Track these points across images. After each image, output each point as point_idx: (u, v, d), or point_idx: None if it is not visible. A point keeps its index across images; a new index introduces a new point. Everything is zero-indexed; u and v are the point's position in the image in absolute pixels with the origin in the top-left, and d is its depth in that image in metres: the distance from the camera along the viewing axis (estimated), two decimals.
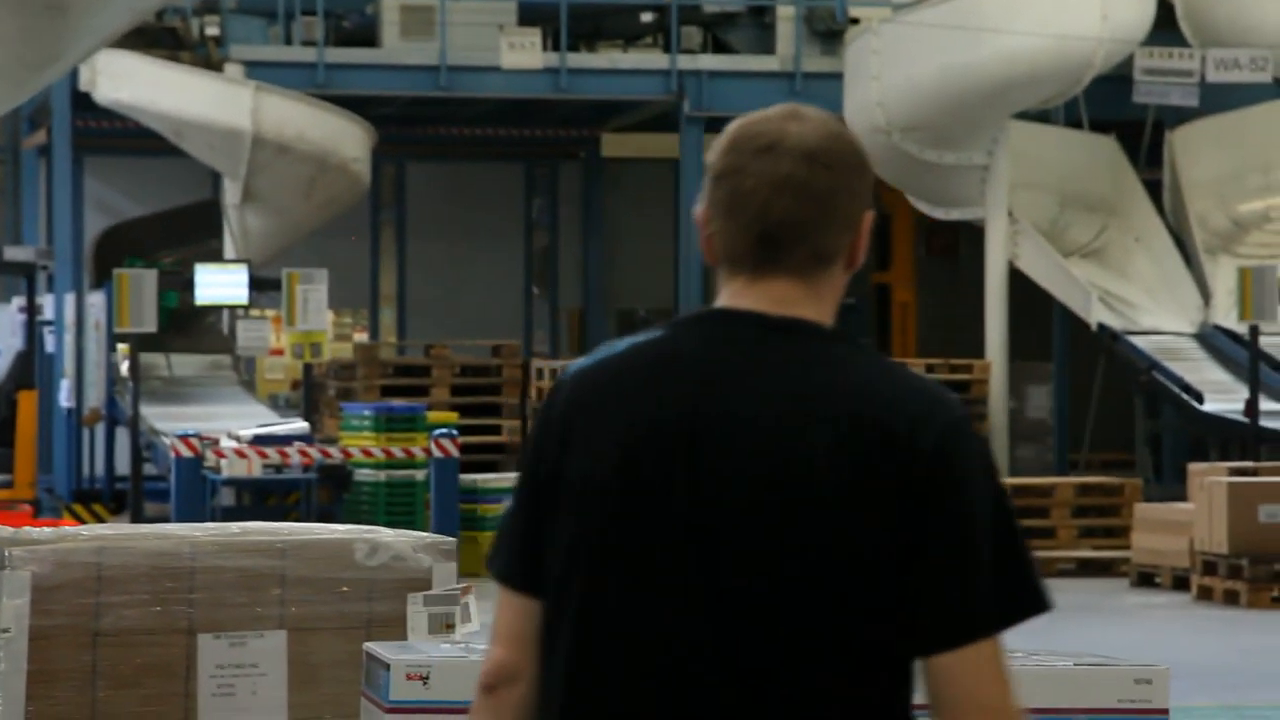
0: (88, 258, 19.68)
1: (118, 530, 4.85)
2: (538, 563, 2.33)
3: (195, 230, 19.77)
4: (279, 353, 20.69)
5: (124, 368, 17.27)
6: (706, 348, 2.25)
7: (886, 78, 17.67)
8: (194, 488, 14.25)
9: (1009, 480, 16.88)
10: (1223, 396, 16.62)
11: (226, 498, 14.50)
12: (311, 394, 17.27)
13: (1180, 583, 13.75)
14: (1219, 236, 18.52)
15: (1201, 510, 13.41)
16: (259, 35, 19.13)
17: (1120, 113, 18.54)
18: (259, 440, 14.60)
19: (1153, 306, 17.99)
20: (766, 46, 19.80)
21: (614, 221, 22.48)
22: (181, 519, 13.67)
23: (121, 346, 17.31)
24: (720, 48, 20.08)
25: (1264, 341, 16.34)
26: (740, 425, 2.21)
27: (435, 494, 14.46)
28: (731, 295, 2.28)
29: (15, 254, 18.94)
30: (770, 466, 2.19)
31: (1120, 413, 18.91)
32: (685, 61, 19.35)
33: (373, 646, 3.63)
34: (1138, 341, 17.31)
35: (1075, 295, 17.64)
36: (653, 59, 19.80)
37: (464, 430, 15.54)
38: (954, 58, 17.30)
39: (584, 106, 20.23)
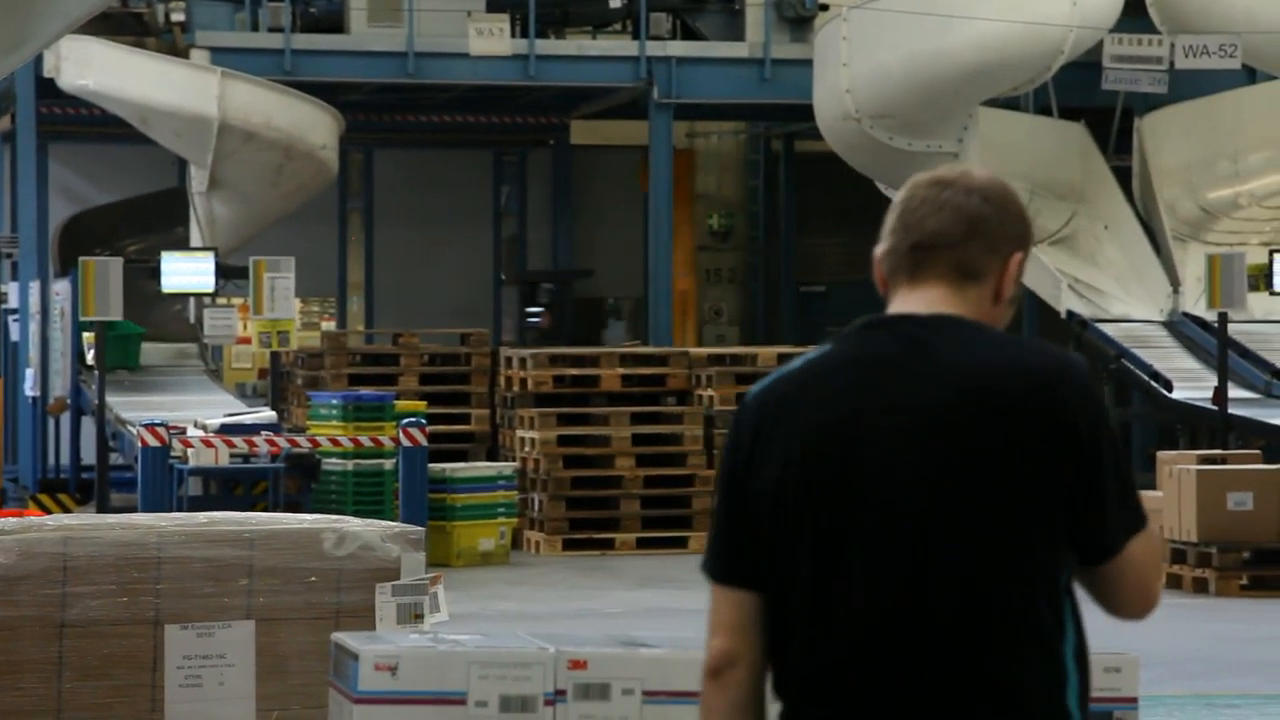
0: (53, 245, 19.55)
1: (84, 520, 4.82)
2: (742, 559, 2.63)
3: (161, 218, 19.67)
4: (246, 341, 20.60)
5: (89, 356, 17.16)
6: (866, 349, 2.64)
7: (856, 64, 17.64)
8: (160, 477, 14.16)
9: None
10: (1192, 384, 16.63)
11: (193, 487, 14.42)
12: (279, 383, 17.19)
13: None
14: (1188, 224, 18.53)
15: (1170, 498, 13.40)
16: (225, 21, 19.01)
17: (1089, 100, 18.54)
18: (226, 429, 14.52)
19: (1122, 294, 18.00)
20: (736, 33, 19.77)
21: (583, 209, 22.42)
22: (148, 509, 13.57)
23: (87, 335, 17.20)
24: (689, 34, 20.05)
25: (1233, 329, 16.35)
26: (903, 412, 2.58)
27: (404, 483, 14.41)
28: (892, 305, 2.70)
29: None
30: (936, 444, 2.57)
31: None
32: (654, 48, 19.31)
33: (341, 637, 3.60)
34: (1107, 329, 17.33)
35: (1044, 283, 17.64)
36: (621, 46, 19.76)
37: (432, 419, 15.48)
38: (923, 44, 17.28)
39: (553, 93, 20.16)
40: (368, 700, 3.35)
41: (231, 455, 14.29)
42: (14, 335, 18.75)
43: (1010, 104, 18.62)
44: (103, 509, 15.21)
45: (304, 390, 16.76)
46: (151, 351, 18.56)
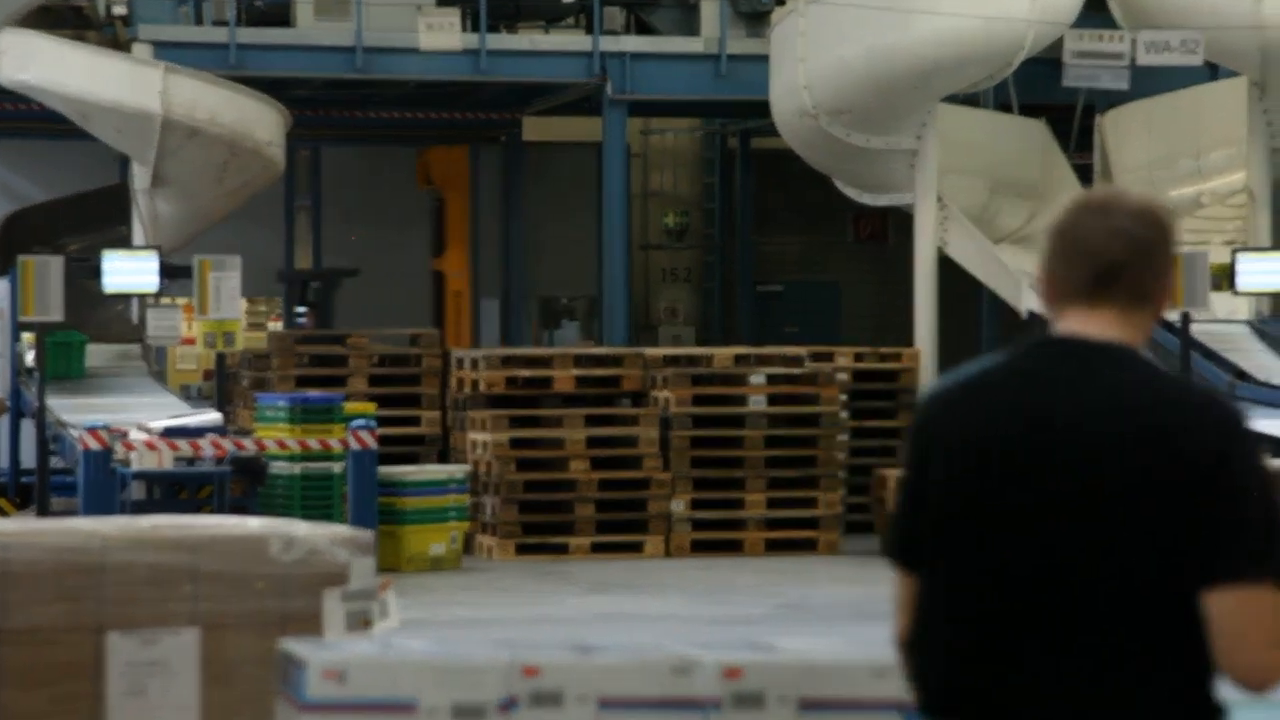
0: None
1: (24, 525, 4.82)
2: (912, 545, 2.96)
3: (103, 216, 19.47)
4: (190, 342, 20.34)
5: (29, 358, 16.90)
6: (1039, 365, 2.92)
7: (813, 60, 17.58)
8: (103, 481, 14.00)
9: None
10: None
11: (137, 492, 14.28)
12: (224, 384, 16.98)
13: None
14: None
15: None
16: (168, 14, 18.82)
17: (1050, 96, 18.55)
18: (170, 432, 14.35)
19: None
20: (691, 28, 19.72)
21: (535, 207, 22.30)
22: (90, 514, 13.35)
23: (26, 335, 16.94)
24: (644, 29, 19.99)
25: (1196, 329, 16.29)
26: (1063, 430, 2.85)
27: (353, 487, 14.29)
28: (1069, 323, 2.94)
29: None
30: (1088, 464, 2.82)
31: None
32: (608, 43, 19.25)
33: (288, 643, 3.53)
34: None
35: (1004, 282, 17.62)
36: (575, 40, 19.69)
37: (382, 421, 15.31)
38: (882, 40, 17.21)
39: (504, 89, 20.05)
40: (316, 708, 3.31)
41: (176, 459, 14.13)
42: None
43: (970, 100, 18.63)
44: (43, 514, 15.00)
45: (250, 392, 16.57)
46: (94, 353, 18.31)
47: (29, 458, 16.44)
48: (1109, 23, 17.80)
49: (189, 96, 17.65)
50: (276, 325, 21.80)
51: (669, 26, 19.90)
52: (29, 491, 16.59)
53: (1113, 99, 18.56)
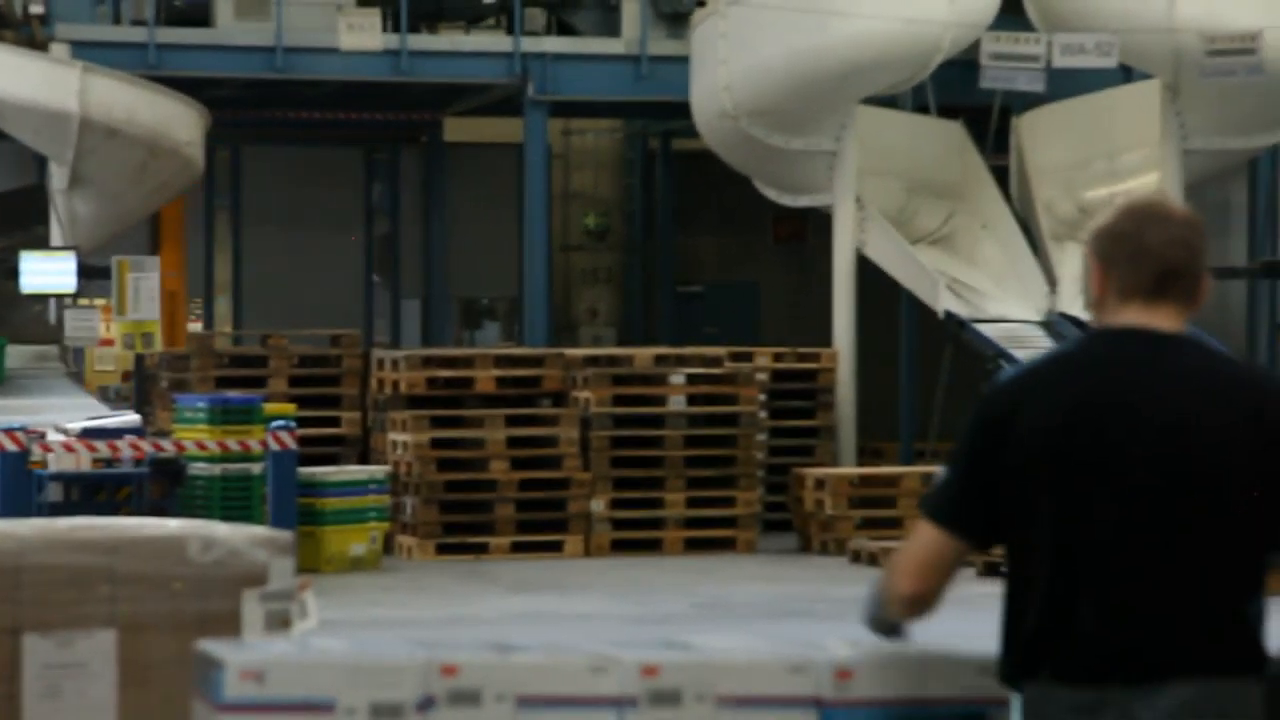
0: None
1: None
2: (973, 511, 3.30)
3: (21, 216, 19.32)
4: (109, 343, 20.20)
5: None
6: (1117, 351, 3.28)
7: (734, 61, 17.67)
8: (19, 483, 13.94)
9: (856, 470, 16.89)
10: None
11: (54, 493, 14.17)
12: (143, 385, 16.93)
13: None
14: (1065, 223, 18.65)
15: None
16: (86, 14, 18.71)
17: (967, 98, 18.69)
18: (88, 433, 14.30)
19: (1000, 294, 18.13)
20: (612, 29, 19.76)
21: (456, 208, 22.30)
22: (7, 515, 13.23)
23: None
24: (565, 30, 20.01)
25: None
26: (1149, 405, 3.22)
27: (272, 488, 14.29)
28: (1130, 318, 3.30)
29: None
30: (1175, 437, 3.20)
31: (967, 401, 18.92)
32: (529, 44, 19.27)
33: (206, 644, 3.53)
34: (984, 329, 17.44)
35: (923, 283, 17.75)
36: (496, 41, 19.70)
37: (302, 422, 15.30)
38: (801, 42, 17.32)
39: (425, 90, 20.04)
40: (233, 709, 3.31)
41: (94, 460, 14.07)
42: None
43: (889, 102, 18.74)
44: None
45: (169, 393, 16.49)
46: (11, 354, 18.20)
47: None
48: (1025, 26, 17.97)
49: (107, 96, 17.57)
50: (196, 326, 21.70)
51: (590, 28, 19.94)
52: None
53: (1029, 101, 18.70)
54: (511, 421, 16.04)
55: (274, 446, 14.23)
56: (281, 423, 14.43)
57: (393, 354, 16.89)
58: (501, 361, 16.53)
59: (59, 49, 18.11)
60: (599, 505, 16.00)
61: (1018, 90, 18.00)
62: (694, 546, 16.07)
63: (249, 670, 3.33)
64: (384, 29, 18.88)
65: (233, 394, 15.59)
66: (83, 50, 18.09)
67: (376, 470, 15.50)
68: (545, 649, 3.45)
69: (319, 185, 22.31)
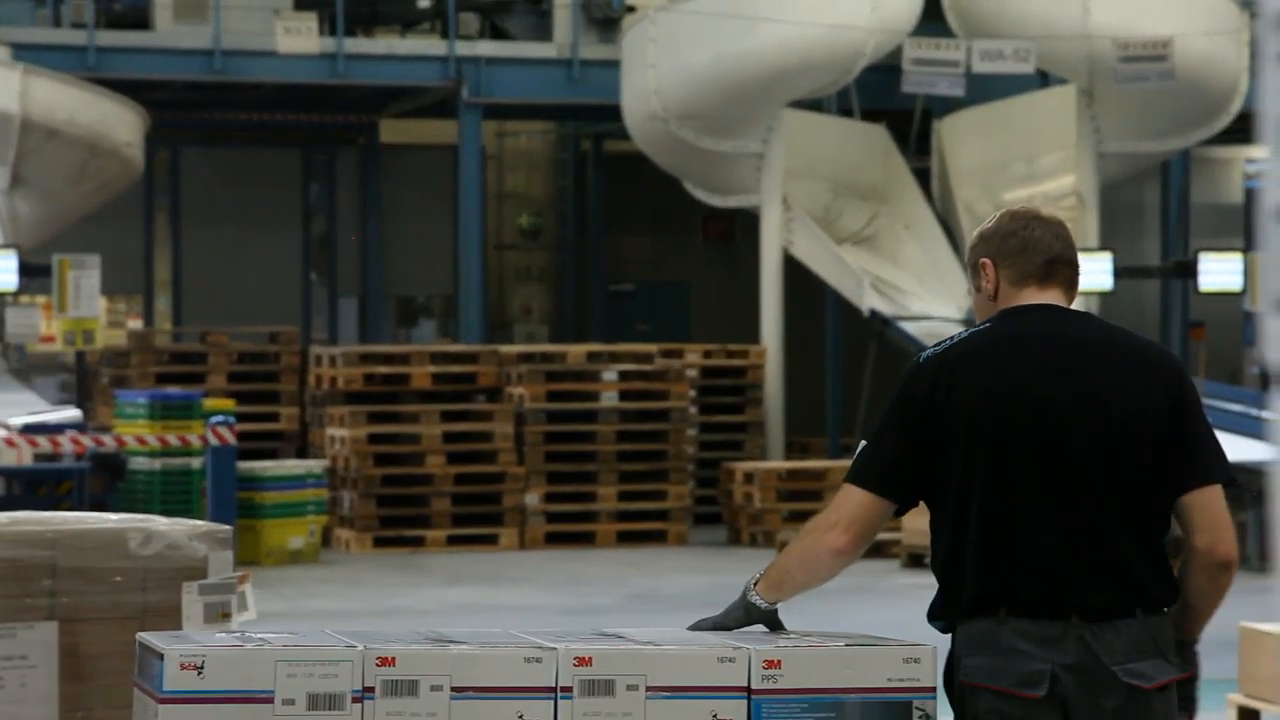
0: None
1: None
2: (899, 477, 3.57)
3: None
4: (50, 340, 20.30)
5: None
6: (1027, 327, 3.61)
7: (663, 66, 17.80)
8: None
9: (784, 464, 17.16)
10: None
11: None
12: (84, 382, 16.98)
13: None
14: None
15: None
16: (26, 16, 18.73)
17: (890, 102, 18.85)
18: (29, 429, 14.33)
19: (922, 292, 18.32)
20: (544, 34, 19.83)
21: (392, 208, 22.38)
22: None
23: None
24: (498, 34, 20.07)
25: None
26: (1071, 369, 3.58)
27: (212, 482, 14.31)
28: (1027, 299, 3.66)
29: None
30: (1098, 397, 3.55)
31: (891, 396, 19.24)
32: (463, 48, 19.30)
33: (146, 636, 3.58)
34: (907, 327, 17.61)
35: (847, 281, 17.90)
36: (430, 45, 19.73)
37: (241, 418, 15.40)
38: (729, 46, 17.48)
39: (362, 92, 20.08)
40: (173, 700, 3.33)
41: (35, 455, 14.08)
42: None
43: (814, 105, 18.89)
44: None
45: (110, 389, 16.59)
46: None
47: None
48: (945, 32, 18.14)
49: (48, 98, 17.59)
50: (136, 323, 21.81)
51: (522, 32, 20.03)
52: None
53: (949, 105, 18.90)
54: (447, 417, 16.19)
55: (213, 441, 14.25)
56: (221, 418, 14.48)
57: (330, 351, 16.98)
58: (437, 358, 16.69)
59: (0, 51, 18.16)
60: (533, 499, 16.12)
61: (938, 94, 18.20)
62: (626, 539, 16.19)
63: (189, 662, 3.33)
64: (321, 32, 18.82)
65: (172, 390, 15.70)
66: (23, 52, 18.06)
67: (315, 465, 15.59)
68: (480, 640, 3.47)
69: (257, 185, 22.32)
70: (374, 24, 19.99)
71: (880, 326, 17.75)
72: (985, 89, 18.55)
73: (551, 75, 19.35)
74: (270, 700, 3.35)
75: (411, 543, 15.87)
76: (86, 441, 14.24)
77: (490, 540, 16.00)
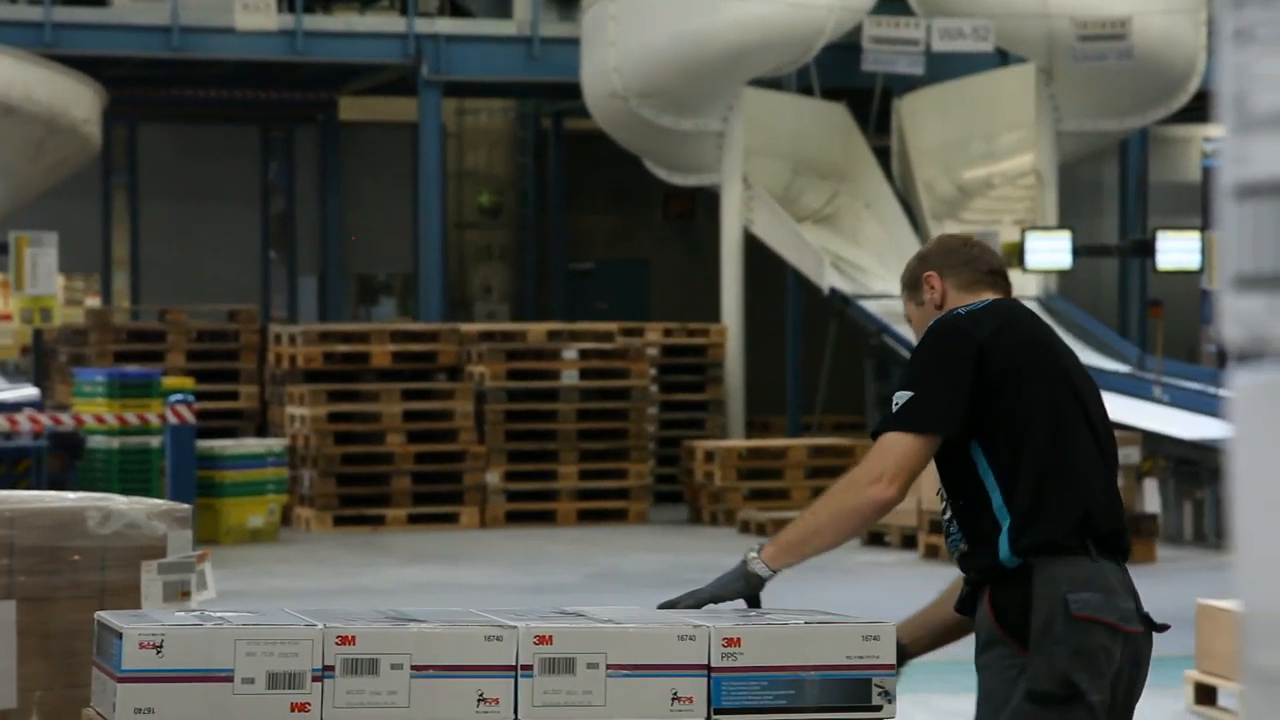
0: None
1: None
2: (959, 415, 3.78)
3: None
4: (7, 318, 20.22)
5: None
6: (1017, 307, 3.99)
7: (623, 44, 17.80)
8: None
9: (745, 443, 17.22)
10: None
11: None
12: (42, 360, 16.94)
13: (909, 541, 14.15)
14: (944, 202, 19.01)
15: (929, 471, 13.76)
16: None
17: (850, 80, 18.90)
18: None
19: (882, 271, 18.39)
20: (504, 11, 19.81)
21: (352, 186, 22.34)
22: None
23: None
24: (458, 11, 20.04)
25: None
26: (1059, 340, 4.00)
27: (171, 461, 14.29)
28: (977, 299, 3.96)
29: None
30: (1079, 363, 3.98)
31: (851, 375, 19.36)
32: (423, 25, 19.25)
33: (104, 615, 3.57)
34: (868, 305, 17.69)
35: (808, 260, 17.95)
36: (390, 22, 19.68)
37: (201, 396, 15.38)
38: (689, 24, 17.48)
39: (320, 69, 20.05)
40: (132, 679, 3.32)
41: None
42: None
43: (774, 84, 18.92)
44: None
45: (68, 368, 16.55)
46: None
47: None
48: (905, 10, 18.18)
49: (4, 74, 17.47)
50: (94, 301, 21.73)
51: (482, 9, 20.00)
52: None
53: (909, 83, 18.98)
54: (407, 395, 16.19)
55: (172, 420, 14.22)
56: (180, 396, 14.44)
57: (290, 329, 16.96)
58: (397, 337, 16.69)
59: None
60: (494, 478, 16.15)
61: (898, 73, 18.27)
62: (587, 518, 16.23)
63: (148, 641, 3.32)
64: (279, 9, 18.77)
65: (131, 368, 15.66)
66: None
67: (274, 443, 15.58)
68: (441, 619, 3.47)
69: (216, 163, 22.27)
70: (333, 1, 19.94)
71: (840, 305, 17.81)
72: (945, 68, 18.62)
73: (511, 53, 19.33)
74: (230, 679, 3.35)
75: (372, 521, 15.88)
76: (44, 420, 14.22)
77: (451, 519, 16.02)
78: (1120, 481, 4.07)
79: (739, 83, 17.93)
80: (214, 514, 14.68)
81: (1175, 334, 20.50)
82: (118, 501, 4.50)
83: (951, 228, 18.41)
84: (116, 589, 4.32)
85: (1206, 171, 21.11)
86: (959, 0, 18.05)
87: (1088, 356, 17.17)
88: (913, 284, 4.00)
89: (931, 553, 13.65)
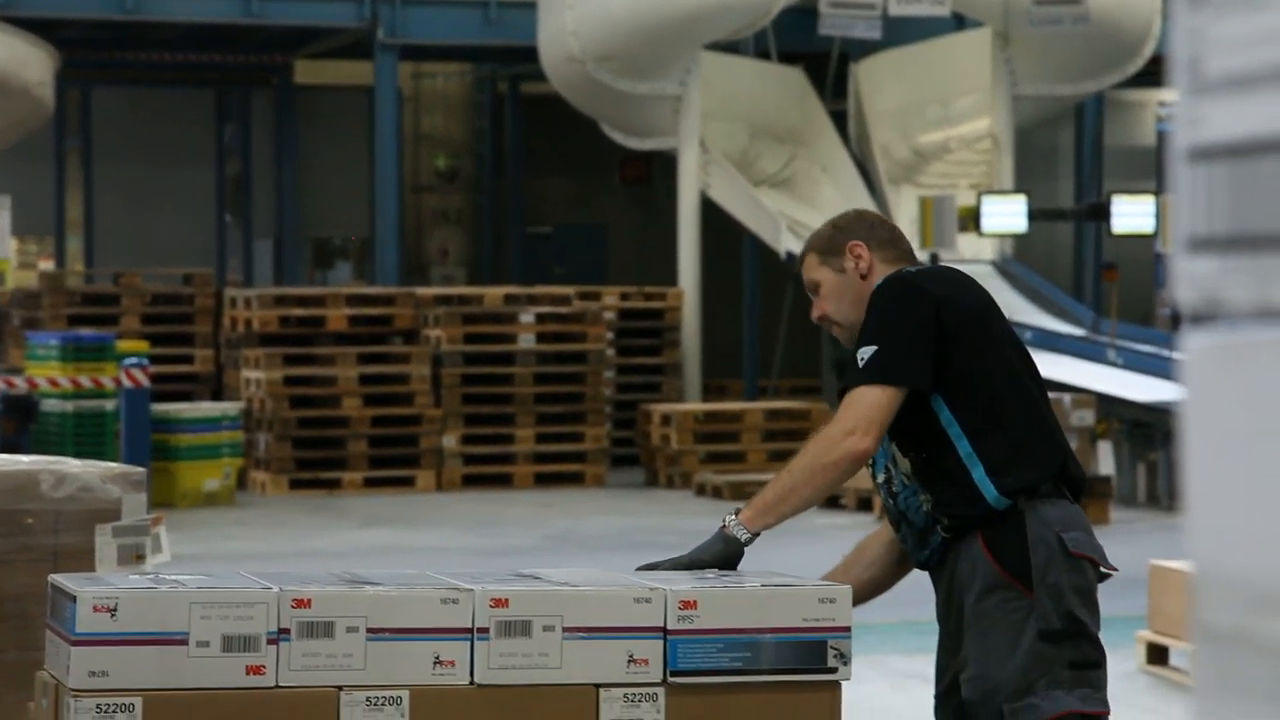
0: None
1: None
2: (930, 368, 3.83)
3: None
4: None
5: None
6: (962, 273, 4.09)
7: (580, 7, 17.75)
8: None
9: (701, 406, 17.27)
10: None
11: None
12: None
13: (864, 504, 14.21)
14: (901, 166, 19.05)
15: None
16: None
17: (807, 45, 18.90)
18: None
19: None
20: None
21: (308, 149, 22.27)
22: None
23: None
24: None
25: None
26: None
27: (125, 424, 14.27)
28: (905, 265, 4.02)
29: None
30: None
31: (807, 339, 19.41)
32: None
33: (58, 578, 3.55)
34: None
35: (764, 224, 17.98)
36: None
37: (156, 360, 15.33)
38: None
39: (276, 32, 19.95)
40: (86, 642, 3.31)
41: None
42: None
43: (731, 48, 18.91)
44: None
45: (21, 331, 16.47)
46: None
47: None
48: None
49: None
50: (47, 265, 21.63)
51: None
52: None
53: (866, 48, 19.00)
54: (363, 359, 16.17)
55: (127, 384, 14.20)
56: (134, 360, 14.39)
57: (245, 293, 16.92)
58: (353, 300, 16.65)
59: None
60: (450, 441, 16.16)
61: (855, 37, 18.28)
62: (544, 481, 16.26)
63: (102, 604, 3.31)
64: None
65: (85, 331, 15.59)
66: None
67: (229, 407, 15.54)
68: (397, 582, 3.47)
69: (170, 126, 22.16)
70: None
71: (797, 269, 17.81)
72: (901, 32, 18.64)
73: (468, 16, 19.27)
74: (185, 642, 3.34)
75: (328, 485, 15.87)
76: None
77: (407, 482, 16.02)
78: (1074, 443, 4.09)
79: (696, 46, 17.90)
80: (169, 477, 14.65)
81: (1130, 297, 20.62)
82: (71, 465, 4.50)
83: (908, 192, 18.47)
84: (70, 552, 4.33)
85: (1161, 135, 21.21)
86: None
87: (1042, 320, 17.25)
88: (833, 250, 4.02)
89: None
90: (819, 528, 13.85)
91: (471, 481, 16.15)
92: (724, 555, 3.77)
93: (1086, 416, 13.29)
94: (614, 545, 12.35)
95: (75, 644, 3.34)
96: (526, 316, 16.45)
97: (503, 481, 16.22)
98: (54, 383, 14.42)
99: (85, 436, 14.37)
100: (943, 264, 4.28)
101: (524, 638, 3.42)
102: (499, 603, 3.41)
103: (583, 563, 10.54)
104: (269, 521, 14.13)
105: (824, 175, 19.04)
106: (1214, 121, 1.30)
